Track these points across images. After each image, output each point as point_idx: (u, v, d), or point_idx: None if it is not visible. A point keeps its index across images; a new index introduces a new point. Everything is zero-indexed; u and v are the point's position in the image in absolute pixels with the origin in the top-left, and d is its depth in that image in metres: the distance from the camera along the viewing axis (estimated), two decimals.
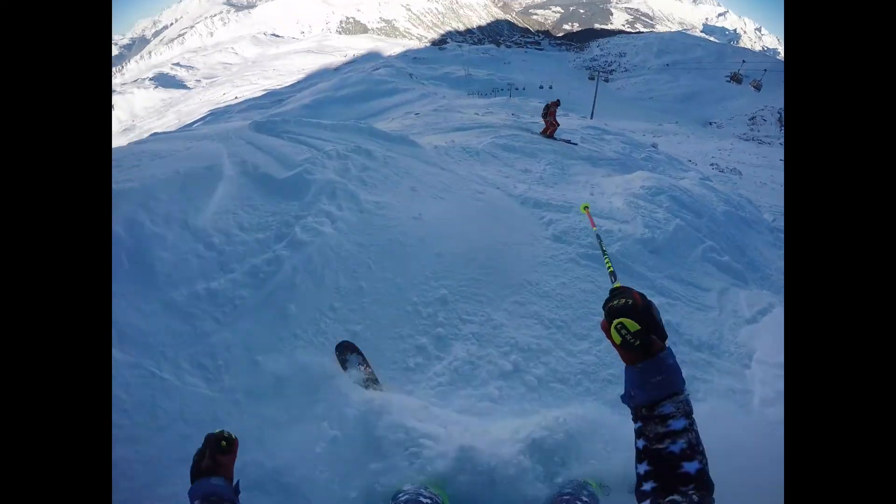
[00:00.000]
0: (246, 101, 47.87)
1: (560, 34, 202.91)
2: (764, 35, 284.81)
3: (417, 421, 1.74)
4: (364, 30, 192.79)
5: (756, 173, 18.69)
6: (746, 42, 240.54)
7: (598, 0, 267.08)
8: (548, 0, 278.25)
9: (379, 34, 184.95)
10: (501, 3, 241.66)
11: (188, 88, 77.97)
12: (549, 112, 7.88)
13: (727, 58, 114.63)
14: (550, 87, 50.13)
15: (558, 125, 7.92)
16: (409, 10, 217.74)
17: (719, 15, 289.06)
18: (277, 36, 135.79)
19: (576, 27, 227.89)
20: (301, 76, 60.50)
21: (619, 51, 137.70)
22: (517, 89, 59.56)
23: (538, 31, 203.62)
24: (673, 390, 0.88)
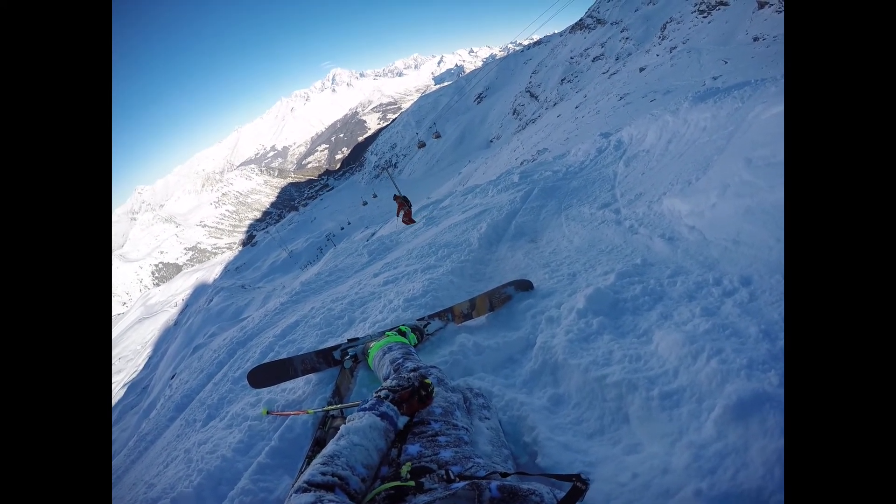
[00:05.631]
0: None
1: (338, 166, 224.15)
2: (476, 52, 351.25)
3: None
4: (177, 269, 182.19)
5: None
6: (469, 66, 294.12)
7: (349, 118, 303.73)
8: (312, 145, 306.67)
9: (192, 264, 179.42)
10: (277, 173, 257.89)
11: None
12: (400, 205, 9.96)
13: (465, 89, 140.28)
14: (365, 204, 54.44)
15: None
16: (205, 226, 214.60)
17: (439, 63, 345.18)
18: None
19: (346, 151, 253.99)
20: (148, 350, 47.37)
21: (390, 144, 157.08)
22: (335, 235, 62.31)
23: (321, 175, 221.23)
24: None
